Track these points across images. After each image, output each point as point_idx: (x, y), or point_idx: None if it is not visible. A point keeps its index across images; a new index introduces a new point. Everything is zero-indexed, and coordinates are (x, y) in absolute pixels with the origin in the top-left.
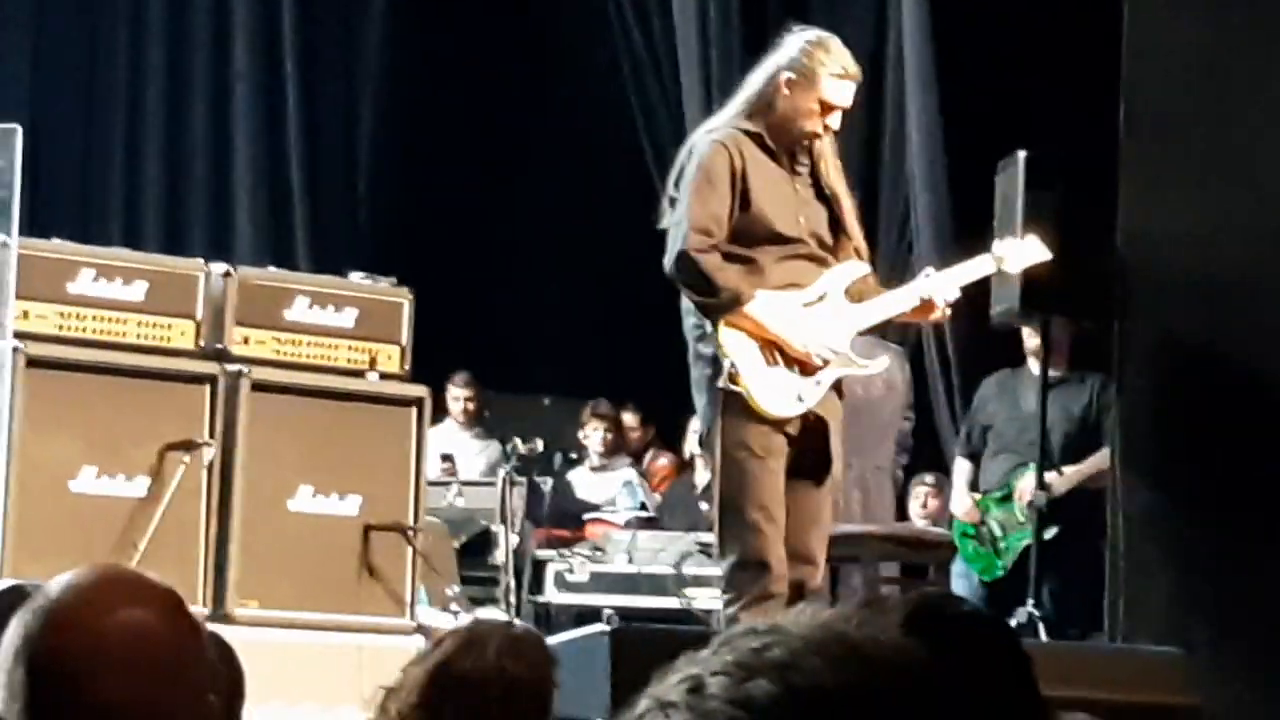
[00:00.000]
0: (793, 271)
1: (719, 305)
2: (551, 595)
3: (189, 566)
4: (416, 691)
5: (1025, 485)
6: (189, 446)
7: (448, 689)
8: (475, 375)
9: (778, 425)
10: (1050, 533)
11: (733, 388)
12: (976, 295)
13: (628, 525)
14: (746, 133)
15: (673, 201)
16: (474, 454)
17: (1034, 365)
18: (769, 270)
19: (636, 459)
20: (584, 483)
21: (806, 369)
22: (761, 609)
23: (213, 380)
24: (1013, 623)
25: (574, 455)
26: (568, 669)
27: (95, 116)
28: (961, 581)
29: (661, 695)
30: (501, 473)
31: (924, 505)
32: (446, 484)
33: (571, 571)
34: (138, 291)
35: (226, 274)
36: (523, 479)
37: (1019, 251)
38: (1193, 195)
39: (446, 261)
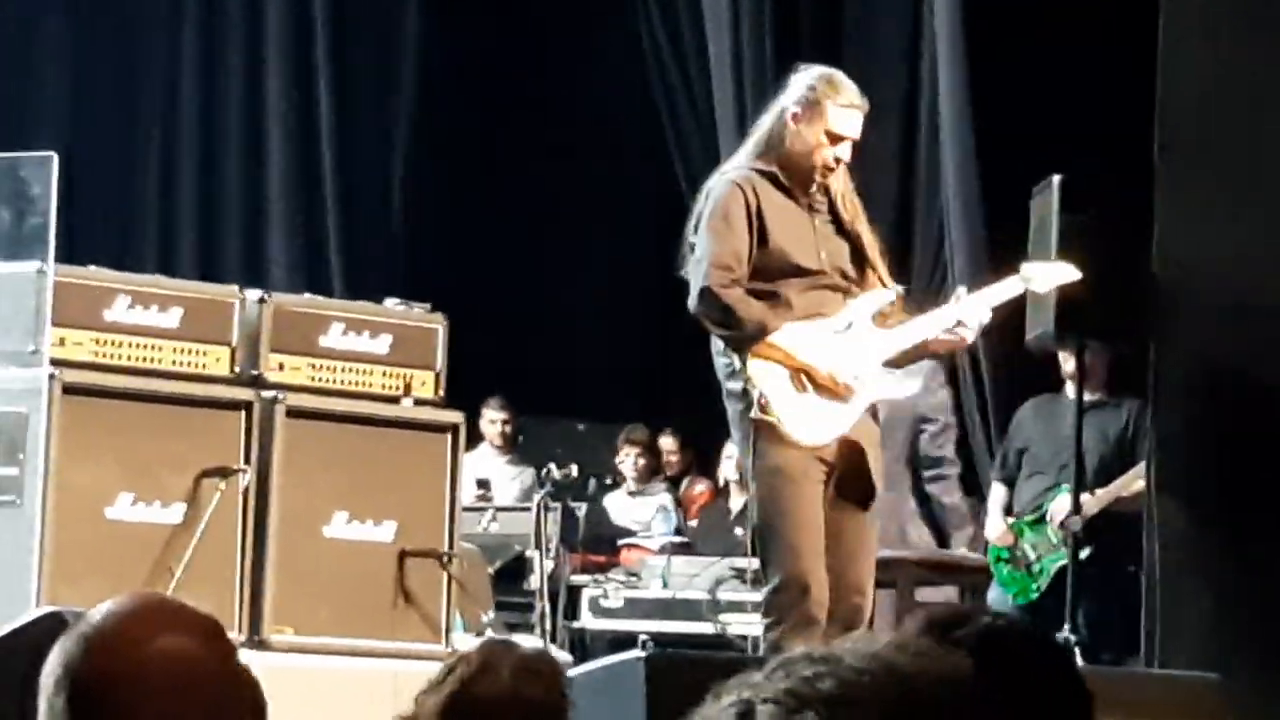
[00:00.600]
0: (817, 301)
1: (745, 337)
2: (586, 621)
3: (224, 592)
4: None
5: (1058, 507)
6: (224, 473)
7: (464, 715)
8: (510, 400)
9: (812, 452)
10: (1083, 554)
11: (764, 417)
12: (1012, 320)
13: (662, 550)
14: (760, 172)
15: (692, 247)
16: (509, 479)
17: (1071, 390)
18: (793, 302)
19: (674, 484)
20: (619, 508)
21: (837, 395)
22: (803, 634)
23: (248, 407)
24: None
25: (609, 480)
26: (603, 695)
27: (130, 144)
28: (996, 606)
29: (712, 718)
30: (536, 498)
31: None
32: (481, 509)
33: (606, 597)
34: (173, 318)
35: (261, 300)
36: (558, 504)
37: (1047, 272)
38: (1228, 218)
39: (481, 286)
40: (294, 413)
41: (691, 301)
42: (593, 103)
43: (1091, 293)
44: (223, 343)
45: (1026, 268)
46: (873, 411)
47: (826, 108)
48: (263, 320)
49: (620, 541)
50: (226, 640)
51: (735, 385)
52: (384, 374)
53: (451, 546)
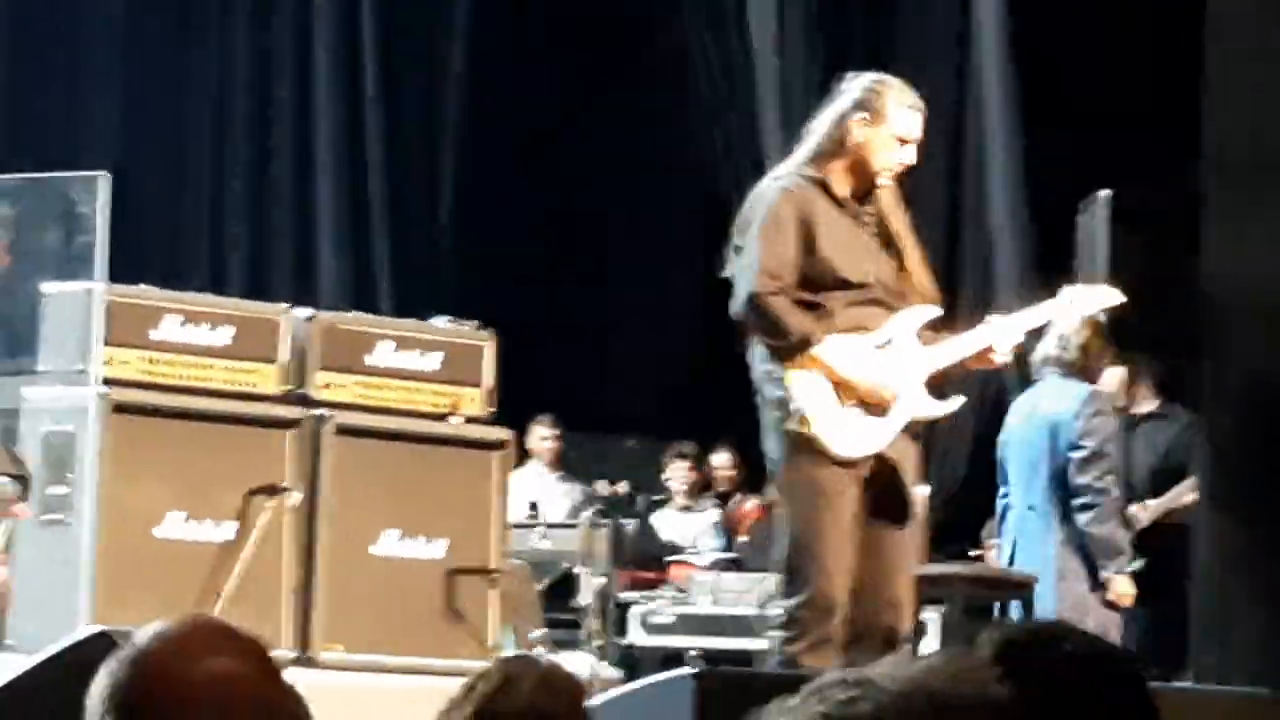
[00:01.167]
0: (861, 316)
1: (789, 347)
2: (637, 637)
3: (273, 610)
4: None
5: None
6: (273, 491)
7: None
8: (559, 417)
9: (848, 466)
10: (1135, 566)
11: (801, 430)
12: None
13: (712, 567)
14: (811, 179)
15: (737, 249)
16: (558, 496)
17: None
18: (838, 314)
19: (723, 500)
20: (668, 524)
21: (878, 410)
22: (821, 652)
23: (296, 425)
24: None
25: (659, 497)
26: (652, 712)
27: (180, 163)
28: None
29: None
30: (586, 515)
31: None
32: (531, 526)
33: (656, 614)
34: (223, 336)
35: (310, 318)
36: (607, 521)
37: (1089, 296)
38: (1277, 231)
39: (530, 302)
40: (342, 430)
41: (737, 305)
42: (639, 119)
43: (1141, 306)
44: (271, 361)
45: (1067, 291)
46: (911, 430)
47: (891, 110)
48: (311, 338)
49: (669, 558)
50: (272, 661)
51: (775, 393)
52: (432, 391)
53: (500, 563)
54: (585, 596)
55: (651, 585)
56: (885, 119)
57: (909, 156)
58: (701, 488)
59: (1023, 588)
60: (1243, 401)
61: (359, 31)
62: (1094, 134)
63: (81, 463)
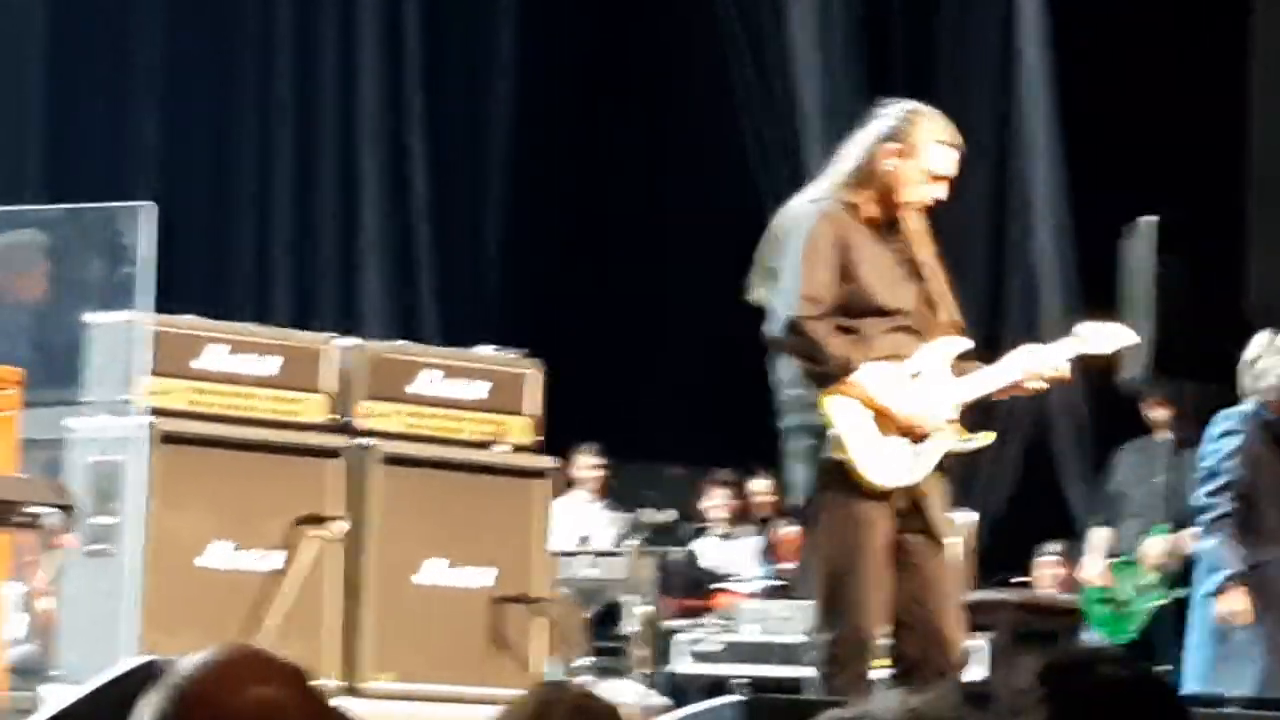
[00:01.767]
0: (895, 344)
1: (828, 374)
2: (683, 665)
3: (319, 639)
4: None
5: (1150, 548)
6: (319, 520)
7: None
8: (604, 445)
9: (882, 498)
10: (1180, 594)
11: (838, 456)
12: (1107, 364)
13: (758, 594)
14: (846, 205)
15: (770, 272)
16: (604, 525)
17: (1162, 433)
18: (873, 342)
19: (764, 525)
20: (710, 552)
21: (914, 439)
22: (860, 688)
23: (342, 454)
24: None
25: (702, 525)
26: None
27: (225, 193)
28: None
29: None
30: (631, 543)
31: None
32: (576, 554)
33: (703, 641)
34: (269, 366)
35: (356, 348)
36: (654, 549)
37: (1103, 335)
38: None
39: (574, 331)
40: (388, 460)
41: (775, 329)
42: (685, 147)
43: (1187, 333)
44: (317, 390)
45: (1082, 328)
46: (943, 463)
47: (924, 145)
48: (356, 367)
49: (713, 585)
50: (316, 689)
51: (810, 419)
52: (477, 420)
53: (545, 592)
54: (632, 624)
55: (697, 613)
56: (917, 153)
57: (939, 192)
58: (741, 515)
59: (1070, 614)
60: None
61: (404, 62)
62: (1138, 158)
63: (127, 493)
